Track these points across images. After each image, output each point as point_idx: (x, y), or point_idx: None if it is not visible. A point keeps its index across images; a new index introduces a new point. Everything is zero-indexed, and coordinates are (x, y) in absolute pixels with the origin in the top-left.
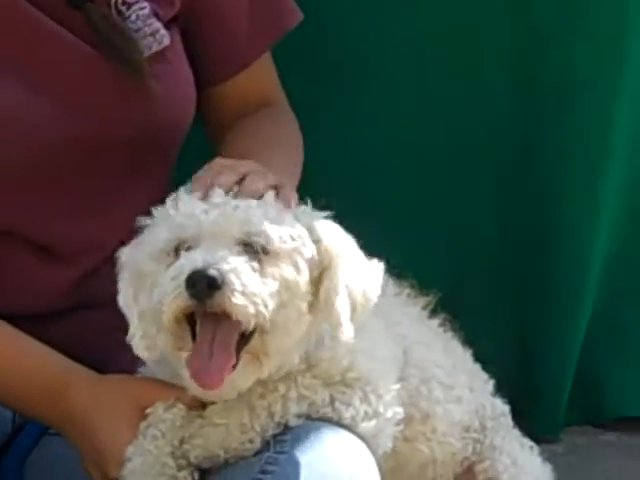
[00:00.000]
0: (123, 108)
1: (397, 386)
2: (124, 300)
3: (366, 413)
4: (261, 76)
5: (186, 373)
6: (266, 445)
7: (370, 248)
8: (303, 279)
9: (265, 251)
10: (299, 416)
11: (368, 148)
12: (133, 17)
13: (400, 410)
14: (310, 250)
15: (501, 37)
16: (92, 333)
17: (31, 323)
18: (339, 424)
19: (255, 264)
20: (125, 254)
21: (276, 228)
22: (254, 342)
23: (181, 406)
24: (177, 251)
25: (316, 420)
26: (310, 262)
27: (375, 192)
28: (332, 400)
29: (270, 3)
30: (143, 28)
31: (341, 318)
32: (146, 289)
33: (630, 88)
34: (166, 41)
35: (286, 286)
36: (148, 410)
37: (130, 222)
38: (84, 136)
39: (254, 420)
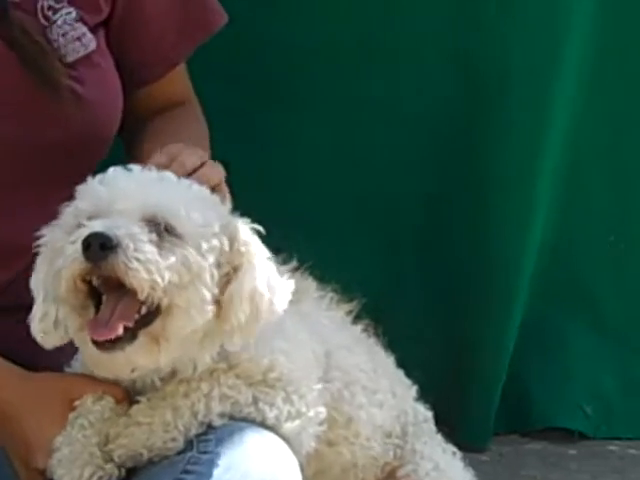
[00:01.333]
0: (49, 113)
1: (319, 386)
2: (35, 280)
3: (289, 413)
4: (179, 77)
5: (86, 348)
6: (189, 445)
7: (295, 253)
8: (206, 264)
9: (168, 230)
10: (222, 416)
11: (297, 140)
12: (60, 22)
13: (323, 410)
14: (218, 240)
15: (444, 27)
16: (18, 337)
17: None
18: (263, 424)
19: (154, 236)
20: (44, 233)
21: (184, 210)
22: (155, 324)
23: (109, 399)
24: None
25: (240, 420)
26: (219, 253)
27: (303, 191)
28: (255, 400)
29: (195, 5)
30: (70, 32)
31: (235, 325)
32: (51, 261)
33: (567, 73)
34: (92, 45)
35: (187, 266)
36: (76, 402)
37: None
38: (9, 139)
39: (177, 419)
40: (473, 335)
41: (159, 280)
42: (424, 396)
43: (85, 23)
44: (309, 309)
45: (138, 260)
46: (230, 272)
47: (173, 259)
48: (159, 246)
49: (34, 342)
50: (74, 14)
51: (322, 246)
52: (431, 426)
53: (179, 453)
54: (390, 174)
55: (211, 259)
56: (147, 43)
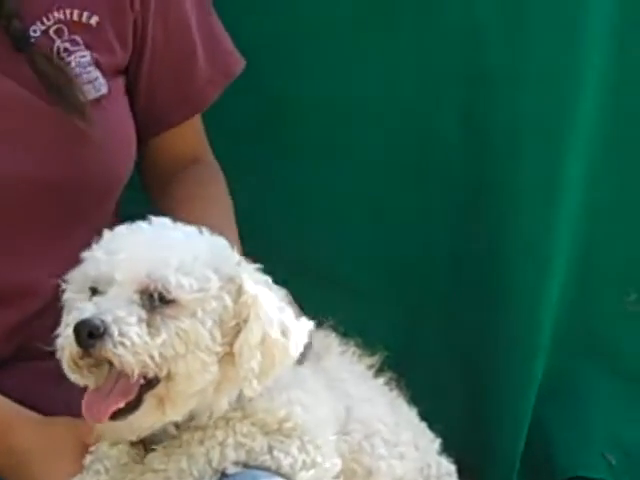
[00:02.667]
0: (61, 152)
1: (334, 437)
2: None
3: (304, 462)
4: (195, 131)
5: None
6: None
7: (315, 306)
8: (204, 330)
9: (163, 300)
10: (237, 463)
11: (312, 194)
12: (73, 64)
13: (338, 462)
14: (219, 301)
15: (453, 83)
16: (33, 383)
17: None
18: (277, 473)
19: (143, 314)
20: (64, 287)
21: (180, 277)
22: (159, 387)
23: (125, 444)
24: (94, 292)
25: (254, 468)
26: (221, 313)
27: (321, 245)
28: (270, 448)
29: (218, 49)
30: (82, 75)
31: (249, 374)
32: None
33: (580, 133)
34: (104, 89)
35: (183, 338)
36: (92, 448)
37: (66, 266)
38: (15, 178)
39: (192, 466)
40: (495, 388)
41: (148, 361)
42: (447, 449)
43: (100, 67)
44: (330, 364)
45: (124, 345)
46: (240, 322)
47: (164, 336)
48: (150, 323)
49: (48, 384)
50: (88, 57)
51: (342, 300)
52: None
53: None
54: (409, 233)
55: (210, 322)
56: (176, 85)
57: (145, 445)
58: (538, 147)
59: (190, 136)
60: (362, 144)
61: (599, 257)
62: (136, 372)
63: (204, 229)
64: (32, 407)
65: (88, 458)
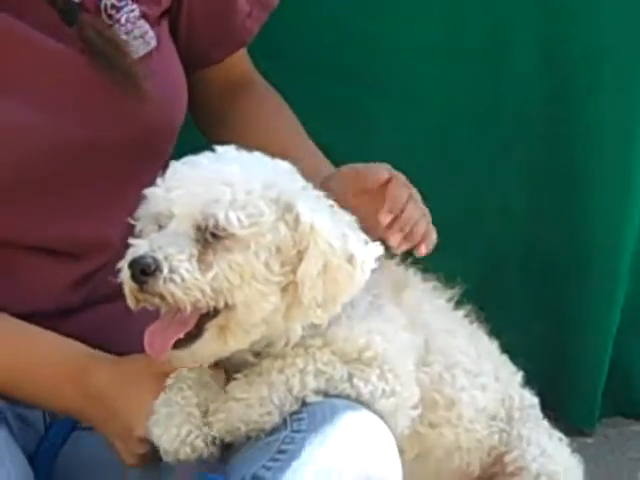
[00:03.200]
0: (115, 112)
1: (413, 367)
2: None
3: (384, 391)
4: (240, 59)
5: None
6: (283, 424)
7: None
8: (258, 263)
9: (215, 235)
10: (317, 392)
11: (390, 133)
12: (123, 20)
13: (417, 392)
14: (273, 232)
15: (528, 14)
16: (103, 327)
17: (41, 322)
18: (357, 401)
19: (194, 250)
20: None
21: (232, 213)
22: (220, 317)
23: (204, 367)
24: (159, 226)
25: (334, 397)
26: (278, 244)
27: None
28: (350, 376)
29: None
30: (133, 31)
31: (312, 303)
32: None
33: None
34: (154, 43)
35: (238, 272)
36: (171, 375)
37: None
38: (77, 140)
39: (273, 394)
40: (575, 320)
41: (199, 295)
42: (529, 383)
43: (147, 20)
44: (410, 297)
45: (174, 282)
46: (302, 251)
47: (215, 271)
48: (201, 259)
49: (116, 332)
50: (137, 11)
51: None
52: (537, 412)
53: (273, 433)
54: (486, 166)
55: (264, 254)
56: (218, 22)
57: (227, 373)
58: (617, 79)
59: (235, 65)
60: (435, 81)
61: None
62: (188, 306)
63: (266, 156)
64: (104, 349)
65: (169, 380)
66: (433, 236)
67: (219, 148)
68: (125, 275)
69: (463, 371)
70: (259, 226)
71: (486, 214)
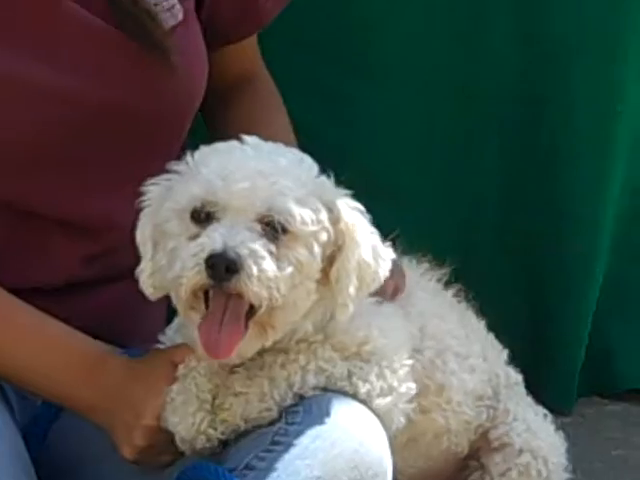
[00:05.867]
0: (141, 82)
1: (410, 361)
2: (141, 236)
3: (382, 389)
4: (252, 48)
5: (195, 334)
6: (278, 416)
7: (378, 220)
8: (316, 262)
9: (284, 230)
10: (316, 388)
11: (371, 116)
12: None
13: (413, 385)
14: (327, 234)
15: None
16: (112, 304)
17: (51, 296)
18: (354, 398)
19: (273, 247)
20: (152, 192)
21: (299, 209)
22: (262, 314)
23: None
24: (199, 214)
25: (330, 391)
26: (325, 243)
27: (381, 162)
28: (350, 374)
29: None
30: (161, 3)
31: (347, 299)
32: (166, 249)
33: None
34: (180, 16)
35: (299, 269)
36: (181, 366)
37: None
38: (100, 106)
39: (274, 389)
40: (554, 301)
41: (277, 295)
42: (513, 360)
43: None
44: (406, 286)
45: (260, 280)
46: (335, 249)
47: (290, 269)
48: (276, 255)
49: (126, 311)
50: None
51: (404, 215)
52: (522, 389)
53: (270, 423)
54: (461, 146)
55: (319, 253)
56: (238, 1)
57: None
58: (595, 58)
59: (247, 53)
60: (417, 66)
61: None
62: (264, 305)
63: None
64: (111, 328)
65: (181, 370)
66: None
67: (247, 138)
68: (193, 270)
69: (453, 355)
70: (321, 224)
71: (463, 195)
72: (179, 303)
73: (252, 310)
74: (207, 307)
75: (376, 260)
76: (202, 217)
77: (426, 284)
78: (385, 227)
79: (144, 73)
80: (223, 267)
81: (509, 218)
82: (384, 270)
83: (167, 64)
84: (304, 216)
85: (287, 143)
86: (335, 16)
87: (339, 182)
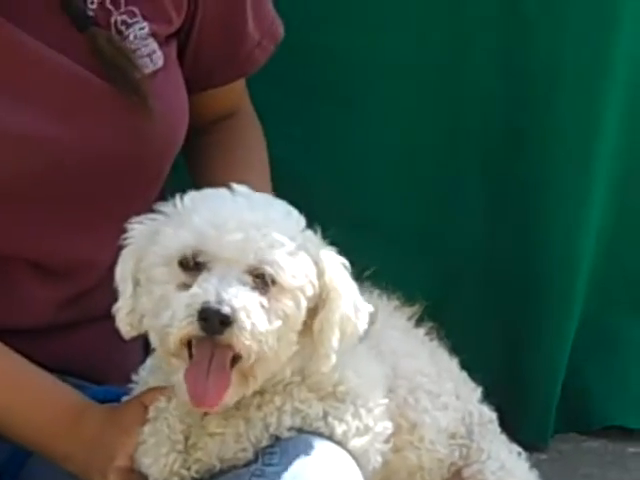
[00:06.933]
0: (120, 125)
1: (385, 400)
2: (122, 273)
3: (357, 429)
4: (238, 89)
5: (179, 381)
6: (255, 457)
7: (351, 255)
8: (300, 315)
9: (274, 283)
10: (292, 429)
11: (353, 147)
12: (132, 37)
13: (389, 424)
14: (313, 287)
15: (489, 24)
16: (90, 345)
17: (29, 338)
18: (330, 439)
19: (264, 300)
20: (136, 231)
21: (290, 262)
22: (243, 363)
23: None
24: (188, 262)
25: (306, 433)
26: (310, 297)
27: (355, 192)
28: (325, 414)
29: (264, 13)
30: (140, 49)
31: (330, 350)
32: (152, 294)
33: (618, 74)
34: (160, 62)
35: (286, 322)
36: (151, 407)
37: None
38: (80, 151)
39: (249, 430)
40: (531, 335)
41: (266, 348)
42: (487, 397)
43: (156, 38)
44: (377, 324)
45: (252, 334)
46: (318, 301)
47: (279, 322)
48: (266, 307)
49: (102, 352)
50: (146, 29)
51: (378, 250)
52: (496, 427)
53: (245, 465)
54: (443, 180)
55: (305, 305)
56: (228, 47)
57: None
58: (576, 92)
59: (233, 92)
60: (394, 92)
61: (637, 201)
62: (252, 358)
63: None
64: (88, 369)
65: (151, 412)
66: None
67: (237, 187)
68: (184, 321)
69: (425, 392)
70: (308, 278)
71: (442, 229)
72: (162, 350)
73: (234, 358)
74: (190, 355)
75: (356, 313)
76: (191, 265)
77: (396, 322)
78: (362, 262)
79: (123, 117)
80: (217, 320)
81: (486, 256)
82: (362, 323)
83: (145, 109)
84: (294, 269)
85: (264, 184)
86: (318, 49)
87: (325, 236)
